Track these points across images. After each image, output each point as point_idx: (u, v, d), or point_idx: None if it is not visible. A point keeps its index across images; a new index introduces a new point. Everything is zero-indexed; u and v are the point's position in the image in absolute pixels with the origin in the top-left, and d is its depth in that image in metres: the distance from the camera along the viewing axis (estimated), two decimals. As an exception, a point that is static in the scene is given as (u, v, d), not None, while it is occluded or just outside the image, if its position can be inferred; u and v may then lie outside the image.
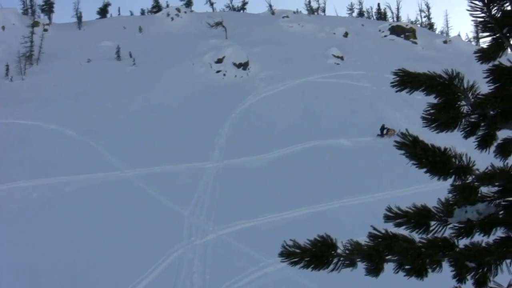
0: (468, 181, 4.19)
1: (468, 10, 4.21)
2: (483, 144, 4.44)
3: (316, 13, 66.85)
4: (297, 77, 35.40)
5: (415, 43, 51.90)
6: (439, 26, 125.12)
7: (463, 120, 4.25)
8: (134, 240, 18.71)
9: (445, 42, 54.28)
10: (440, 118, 4.01)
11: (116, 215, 20.67)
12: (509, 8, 4.23)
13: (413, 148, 3.87)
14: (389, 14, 76.59)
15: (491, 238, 4.19)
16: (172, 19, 48.21)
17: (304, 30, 47.26)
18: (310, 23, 49.56)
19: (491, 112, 4.25)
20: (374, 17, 74.15)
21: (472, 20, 3.64)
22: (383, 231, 3.99)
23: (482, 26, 4.25)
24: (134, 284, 16.46)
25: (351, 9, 74.88)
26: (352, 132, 27.47)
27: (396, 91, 3.98)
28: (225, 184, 23.43)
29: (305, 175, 23.53)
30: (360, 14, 73.70)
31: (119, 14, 60.96)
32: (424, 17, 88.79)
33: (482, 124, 4.31)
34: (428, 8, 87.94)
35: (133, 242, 18.53)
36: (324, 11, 71.49)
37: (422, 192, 18.18)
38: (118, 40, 41.14)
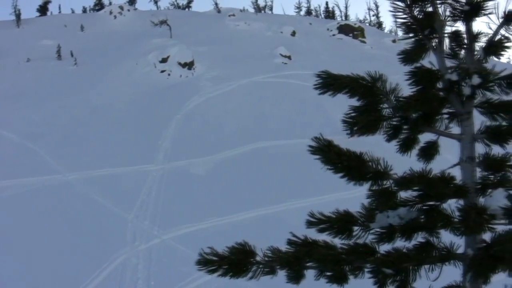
0: (386, 186, 4.13)
1: (391, 11, 4.13)
2: (404, 147, 4.41)
3: (263, 12, 66.89)
4: (243, 77, 35.20)
5: (364, 42, 52.48)
6: (387, 25, 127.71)
7: (385, 123, 4.20)
8: (75, 246, 18.19)
9: (393, 41, 55.03)
10: (361, 121, 3.90)
11: (55, 220, 20.08)
12: (430, 9, 4.17)
13: (328, 153, 3.75)
14: (337, 12, 77.56)
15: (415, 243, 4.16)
16: (115, 17, 47.31)
17: (251, 29, 47.15)
18: (257, 22, 49.49)
19: (413, 115, 4.23)
20: (322, 16, 74.72)
21: (394, 21, 3.57)
22: (302, 238, 3.88)
23: (405, 27, 4.20)
24: (75, 294, 16.01)
25: (298, 7, 75.39)
26: (300, 133, 27.49)
27: (319, 94, 3.83)
28: (170, 187, 23.09)
29: (251, 177, 23.42)
30: (308, 12, 74.21)
31: (59, 12, 59.63)
32: (373, 15, 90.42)
33: (405, 127, 4.27)
34: (377, 6, 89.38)
35: (74, 248, 18.02)
36: (271, 9, 71.52)
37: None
38: (59, 39, 40.01)
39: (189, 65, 36.75)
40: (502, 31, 4.18)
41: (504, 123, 4.22)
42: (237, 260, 3.80)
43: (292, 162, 24.18)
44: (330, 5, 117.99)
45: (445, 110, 4.33)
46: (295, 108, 31.40)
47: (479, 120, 4.33)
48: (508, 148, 4.33)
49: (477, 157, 4.34)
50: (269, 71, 36.76)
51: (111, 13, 49.01)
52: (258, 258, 3.82)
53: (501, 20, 4.17)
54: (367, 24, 68.80)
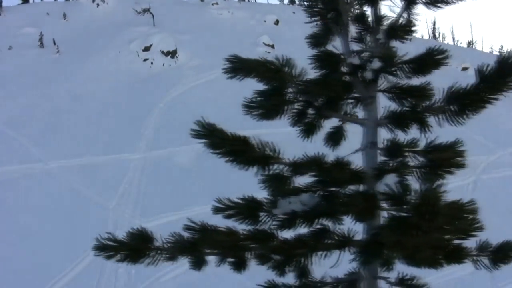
0: (277, 171, 4.07)
1: (299, -7, 4.09)
2: (306, 132, 4.33)
3: (246, 0, 66.52)
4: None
5: (346, 31, 52.43)
6: (371, 14, 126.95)
7: (289, 107, 4.14)
8: (56, 234, 18.18)
9: (373, 30, 55.07)
10: (263, 106, 3.86)
11: (36, 208, 20.04)
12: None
13: (211, 138, 3.72)
14: (320, 2, 76.86)
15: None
16: (98, 5, 46.62)
17: (234, 18, 46.92)
18: (240, 10, 49.24)
19: (319, 100, 4.16)
20: (306, 5, 74.15)
21: (300, 5, 3.49)
22: (199, 223, 3.86)
23: (310, 10, 4.15)
24: (56, 280, 16.04)
25: (282, -4, 75.03)
26: (283, 122, 27.54)
27: (228, 78, 3.79)
28: (152, 175, 23.10)
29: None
30: (292, 1, 73.89)
31: (42, 0, 58.84)
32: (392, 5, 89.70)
33: (310, 112, 4.20)
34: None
35: (55, 236, 18.01)
36: (255, -2, 71.20)
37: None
38: (41, 27, 39.53)
39: (172, 54, 36.56)
40: (405, 15, 4.13)
41: (405, 108, 4.18)
42: (135, 246, 3.76)
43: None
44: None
45: (351, 95, 4.22)
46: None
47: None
48: (414, 134, 4.25)
49: (383, 142, 4.26)
50: (252, 60, 36.59)
51: (93, 1, 48.37)
52: (157, 244, 3.79)
53: (404, 3, 4.15)
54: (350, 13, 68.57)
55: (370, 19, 4.17)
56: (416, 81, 4.04)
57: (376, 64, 3.91)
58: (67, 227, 18.64)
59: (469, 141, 24.45)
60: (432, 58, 3.87)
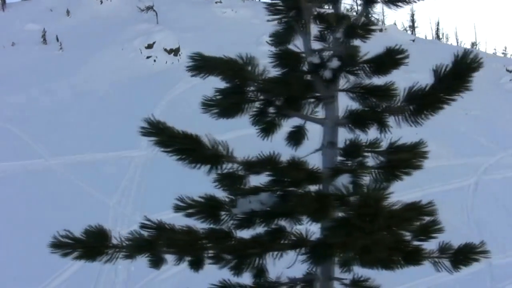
0: (231, 170, 4.04)
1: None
2: (265, 131, 4.29)
3: (250, -1, 66.35)
4: (229, 64, 35.04)
5: (348, 30, 52.23)
6: (375, 14, 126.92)
7: (248, 106, 4.10)
8: (56, 230, 18.20)
9: (380, 30, 54.89)
10: (221, 104, 3.83)
11: (36, 204, 20.09)
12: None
13: (160, 135, 3.68)
14: (323, 1, 76.62)
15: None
16: (101, 2, 46.65)
17: (238, 16, 46.90)
18: (244, 9, 49.20)
19: (280, 99, 4.12)
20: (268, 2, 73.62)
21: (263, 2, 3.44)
22: (157, 221, 3.83)
23: (272, 8, 4.12)
24: (55, 276, 16.08)
25: (285, -5, 74.59)
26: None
27: (192, 76, 3.76)
28: (153, 172, 23.07)
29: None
30: (296, 1, 73.44)
31: (47, -4, 58.89)
32: (360, 4, 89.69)
33: (271, 111, 4.17)
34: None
35: (54, 233, 18.05)
36: (259, -4, 70.95)
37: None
38: (44, 23, 39.61)
39: (175, 52, 36.56)
40: (366, 14, 4.08)
41: (366, 108, 4.14)
42: (92, 243, 3.73)
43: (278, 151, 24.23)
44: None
45: (312, 94, 4.18)
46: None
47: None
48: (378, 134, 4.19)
49: (345, 142, 4.22)
50: (255, 59, 36.58)
51: (98, -3, 48.50)
52: (115, 242, 3.76)
53: (363, 2, 4.11)
54: (354, 12, 68.47)
55: (331, 17, 4.12)
56: (379, 80, 4.01)
57: (335, 63, 3.89)
58: (67, 223, 18.60)
59: (472, 142, 24.37)
60: (391, 58, 3.86)
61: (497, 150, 28.52)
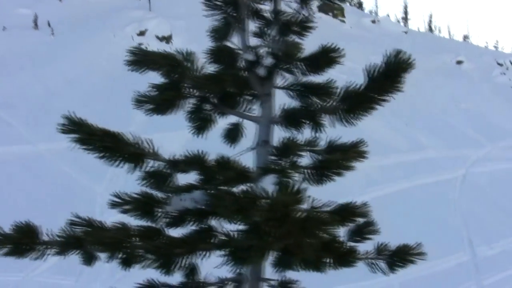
0: (157, 168, 4.00)
1: (197, -14, 4.01)
2: (199, 129, 4.25)
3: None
4: (221, 51, 34.89)
5: (343, 21, 52.02)
6: (368, 6, 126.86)
7: (182, 102, 4.04)
8: (43, 217, 18.14)
9: (373, 21, 54.69)
10: (154, 100, 3.78)
11: (23, 191, 20.07)
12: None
13: (78, 133, 3.63)
14: (319, -9, 76.35)
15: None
16: (95, -13, 46.55)
17: (232, 4, 46.63)
18: (238, -4, 48.92)
19: (215, 96, 4.06)
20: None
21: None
22: (86, 218, 3.79)
23: (208, 2, 4.05)
24: (40, 263, 16.05)
25: (279, -16, 74.25)
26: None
27: (129, 70, 3.71)
28: (141, 160, 23.06)
29: (222, 148, 23.44)
30: (289, -14, 73.09)
31: (40, -20, 58.45)
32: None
33: (207, 108, 4.12)
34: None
35: (42, 219, 17.96)
36: (253, -18, 70.52)
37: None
38: (35, 8, 39.25)
39: (167, 39, 36.42)
40: (303, 11, 4.03)
41: (300, 106, 4.08)
42: (20, 239, 3.70)
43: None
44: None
45: (248, 92, 4.13)
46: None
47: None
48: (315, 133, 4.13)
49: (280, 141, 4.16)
50: (247, 46, 36.43)
51: (91, -17, 48.11)
52: (45, 238, 3.75)
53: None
54: (348, 3, 68.14)
55: (268, 14, 4.06)
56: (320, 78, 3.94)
57: (269, 60, 3.84)
58: (55, 210, 18.56)
59: (462, 135, 24.46)
60: (326, 56, 3.80)
61: (486, 143, 28.59)
